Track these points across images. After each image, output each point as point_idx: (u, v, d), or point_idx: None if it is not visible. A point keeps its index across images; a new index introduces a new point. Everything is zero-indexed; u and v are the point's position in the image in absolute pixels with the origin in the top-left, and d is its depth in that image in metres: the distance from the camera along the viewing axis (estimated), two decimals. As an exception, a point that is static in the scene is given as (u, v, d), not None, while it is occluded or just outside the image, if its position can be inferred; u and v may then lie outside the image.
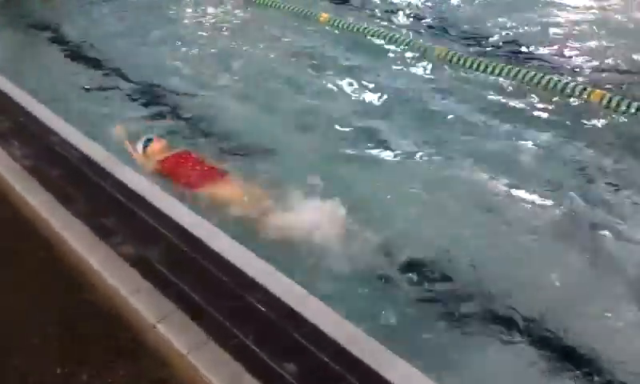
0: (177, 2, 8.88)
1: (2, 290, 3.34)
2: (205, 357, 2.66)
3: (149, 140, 4.72)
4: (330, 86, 6.16)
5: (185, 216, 3.61)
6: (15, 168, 4.10)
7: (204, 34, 7.89)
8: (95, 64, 6.89)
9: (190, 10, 8.68)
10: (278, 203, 4.04)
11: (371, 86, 6.12)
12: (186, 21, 8.40)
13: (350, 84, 6.14)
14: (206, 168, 4.50)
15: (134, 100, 5.99)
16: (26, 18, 8.50)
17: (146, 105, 5.86)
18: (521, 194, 4.37)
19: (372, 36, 7.25)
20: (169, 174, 4.48)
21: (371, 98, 5.94)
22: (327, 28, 7.67)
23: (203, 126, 5.43)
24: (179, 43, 7.47)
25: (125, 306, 3.02)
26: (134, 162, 4.55)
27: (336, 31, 7.56)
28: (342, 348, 2.66)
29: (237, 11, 8.56)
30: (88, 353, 2.90)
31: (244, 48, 7.19)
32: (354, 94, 6.02)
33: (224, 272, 3.12)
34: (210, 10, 8.64)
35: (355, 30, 7.43)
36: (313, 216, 3.86)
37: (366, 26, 7.51)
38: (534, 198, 4.33)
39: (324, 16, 7.79)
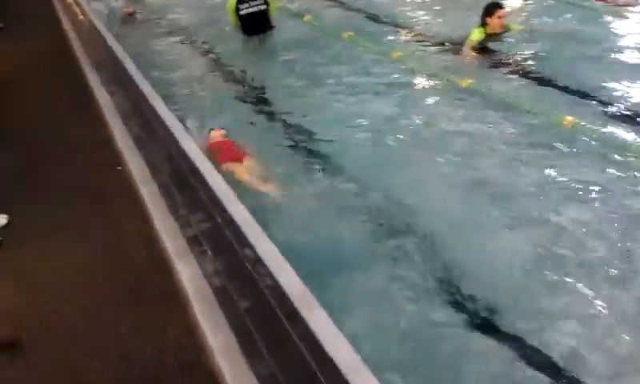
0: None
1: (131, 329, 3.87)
2: None
3: (212, 129, 6.67)
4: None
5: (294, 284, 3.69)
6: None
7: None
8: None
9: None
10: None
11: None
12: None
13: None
14: (236, 151, 6.21)
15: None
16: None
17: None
18: None
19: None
20: (212, 151, 6.17)
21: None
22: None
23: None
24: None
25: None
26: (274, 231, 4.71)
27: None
28: None
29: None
30: None
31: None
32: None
33: (317, 360, 3.07)
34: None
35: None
36: None
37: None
38: None
39: (568, 120, 6.61)
